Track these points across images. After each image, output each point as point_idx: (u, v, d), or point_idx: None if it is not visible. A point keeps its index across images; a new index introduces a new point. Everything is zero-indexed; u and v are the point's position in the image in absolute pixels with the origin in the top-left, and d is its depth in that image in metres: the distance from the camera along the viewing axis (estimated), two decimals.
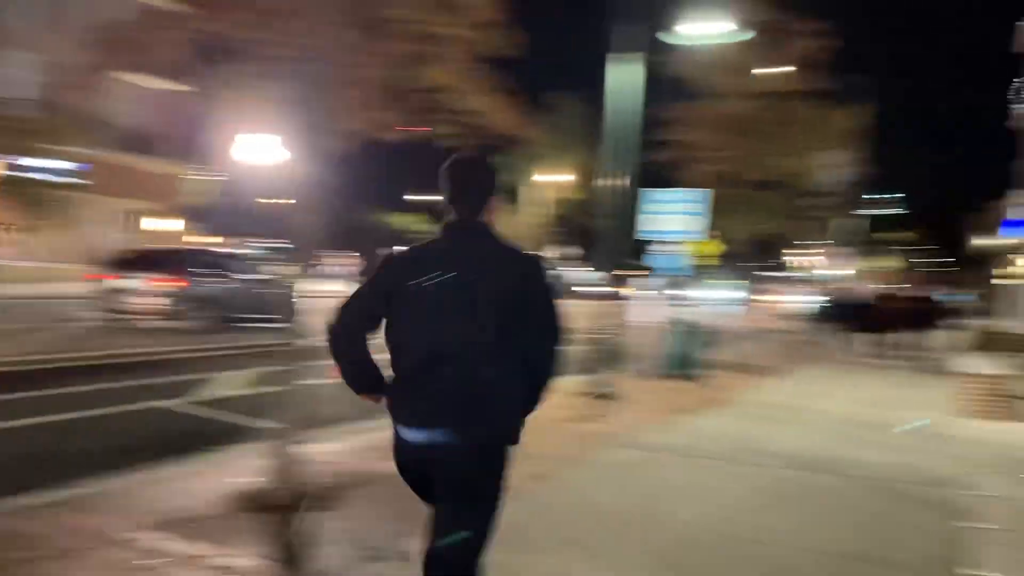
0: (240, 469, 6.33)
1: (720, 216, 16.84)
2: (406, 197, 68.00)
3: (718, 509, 6.15)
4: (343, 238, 59.84)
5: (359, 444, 7.46)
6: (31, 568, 4.18)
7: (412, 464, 3.09)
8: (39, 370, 10.96)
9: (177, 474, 6.10)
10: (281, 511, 5.33)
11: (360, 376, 3.13)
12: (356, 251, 50.16)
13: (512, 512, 5.77)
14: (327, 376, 3.60)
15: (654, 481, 6.94)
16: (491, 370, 2.93)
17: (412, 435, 3.01)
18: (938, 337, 20.18)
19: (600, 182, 12.29)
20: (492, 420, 2.95)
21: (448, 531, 3.01)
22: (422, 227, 65.76)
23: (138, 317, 16.50)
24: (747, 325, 29.21)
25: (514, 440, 3.04)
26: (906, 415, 11.57)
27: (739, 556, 5.15)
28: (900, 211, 66.63)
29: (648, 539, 5.33)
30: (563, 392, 11.72)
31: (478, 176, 3.15)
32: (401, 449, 3.09)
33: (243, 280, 18.01)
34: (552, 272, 3.10)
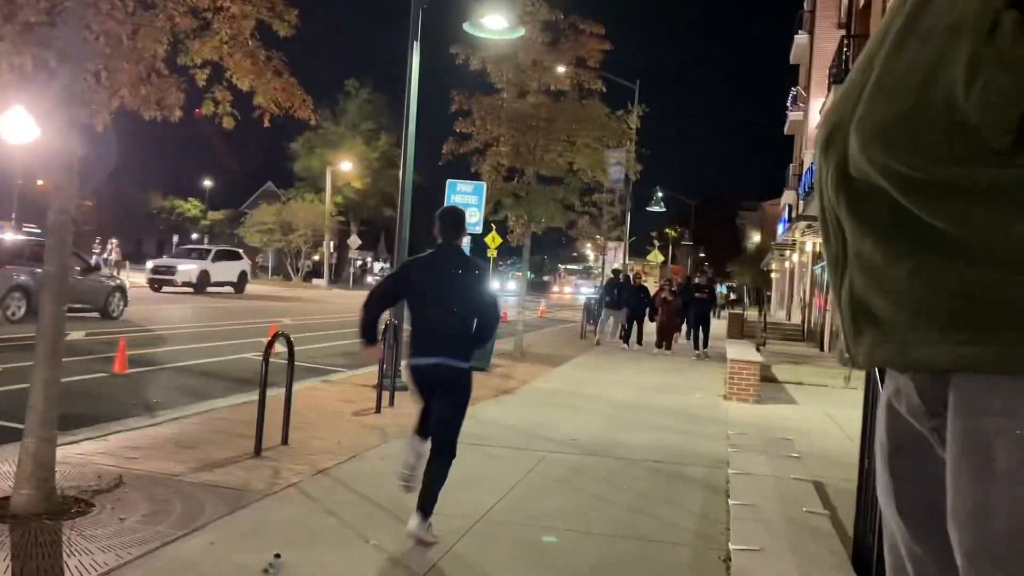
0: None
1: (506, 208, 17.23)
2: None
3: (499, 496, 6.28)
4: (117, 223, 55.97)
5: (117, 443, 6.99)
6: None
7: (421, 378, 5.24)
8: None
9: None
10: (30, 518, 4.88)
11: (368, 330, 5.30)
12: (115, 237, 47.10)
13: (291, 511, 5.61)
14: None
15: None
16: (465, 324, 5.20)
17: (424, 361, 5.17)
18: (713, 326, 21.70)
19: (401, 171, 12.15)
20: (466, 351, 5.23)
21: (442, 414, 5.23)
22: (197, 213, 62.69)
23: None
24: (535, 316, 30.12)
25: (471, 361, 5.28)
26: (679, 399, 12.37)
27: (519, 540, 5.28)
28: (682, 207, 70.75)
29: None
30: (351, 384, 11.56)
31: (457, 220, 5.44)
32: (415, 370, 5.21)
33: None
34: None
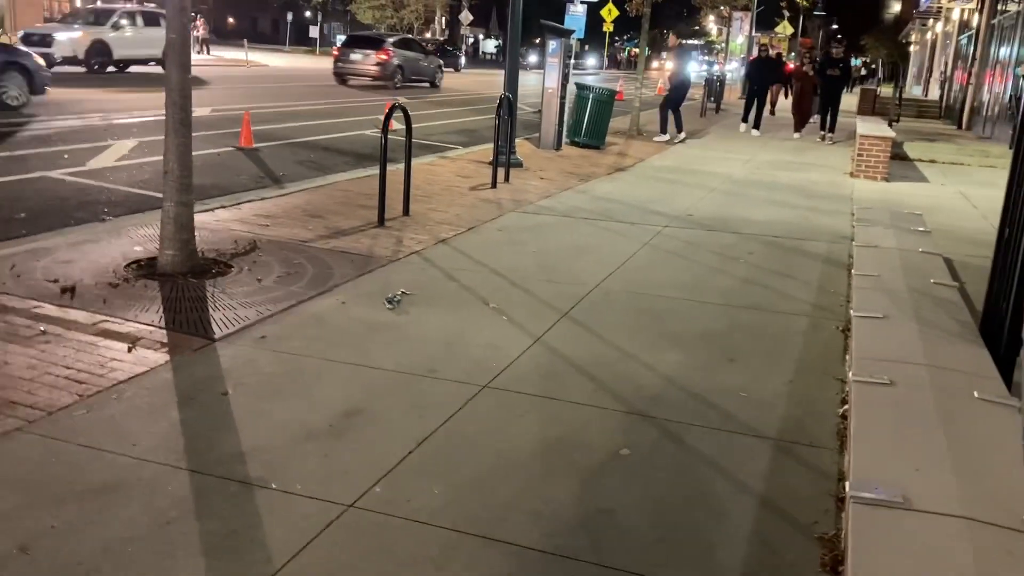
0: (134, 238, 6.18)
1: None
2: None
3: (613, 268, 6.35)
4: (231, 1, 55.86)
5: (249, 211, 7.33)
6: None
7: None
8: None
9: (70, 242, 5.89)
10: (176, 276, 5.25)
11: None
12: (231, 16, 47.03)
13: (414, 276, 5.83)
14: None
15: (557, 242, 7.08)
16: None
17: None
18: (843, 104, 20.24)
19: None
20: None
21: None
22: None
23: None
24: (652, 94, 29.13)
25: None
26: (802, 176, 11.98)
27: (633, 307, 5.38)
28: None
29: (546, 292, 5.50)
30: (467, 160, 11.62)
31: None
32: None
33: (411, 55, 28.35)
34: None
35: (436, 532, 2.79)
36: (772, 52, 20.72)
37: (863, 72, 56.97)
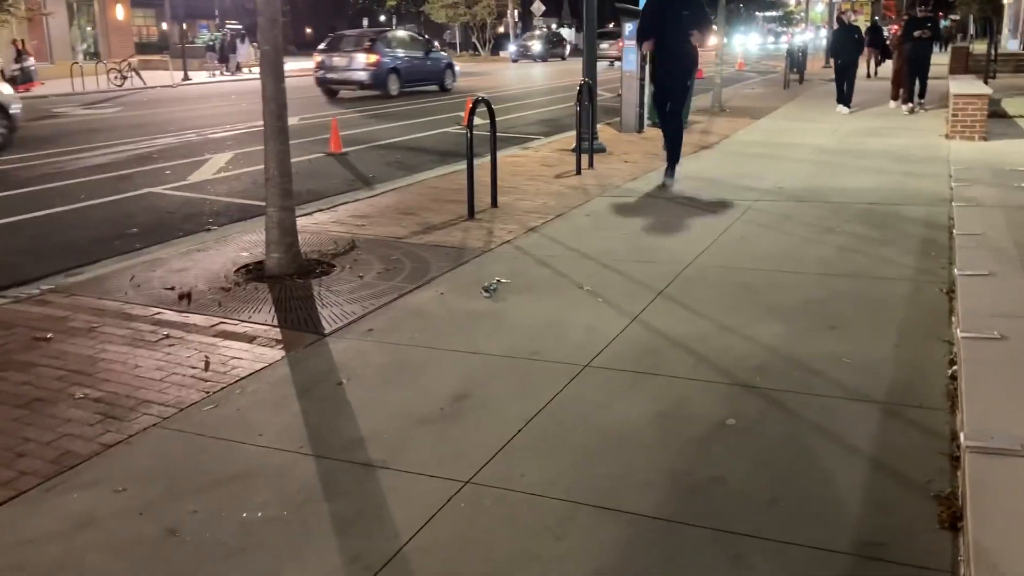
0: (240, 244, 6.47)
1: None
2: None
3: (706, 244, 6.33)
4: (310, 10, 57.14)
5: (344, 213, 7.57)
6: (62, 345, 4.37)
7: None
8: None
9: (181, 252, 6.21)
10: (283, 278, 5.49)
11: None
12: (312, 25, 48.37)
13: (507, 265, 5.93)
14: None
15: (646, 223, 7.09)
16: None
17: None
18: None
19: None
20: None
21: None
22: None
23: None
24: (732, 70, 28.64)
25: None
26: (893, 142, 11.65)
27: (730, 282, 5.38)
28: None
29: (639, 273, 5.54)
30: (550, 149, 11.69)
31: None
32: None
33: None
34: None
35: (552, 504, 2.89)
36: (852, 18, 19.12)
37: (949, 28, 54.15)
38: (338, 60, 22.21)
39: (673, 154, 8.71)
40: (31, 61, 26.94)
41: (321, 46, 23.63)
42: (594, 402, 3.69)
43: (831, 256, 5.93)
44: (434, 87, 24.55)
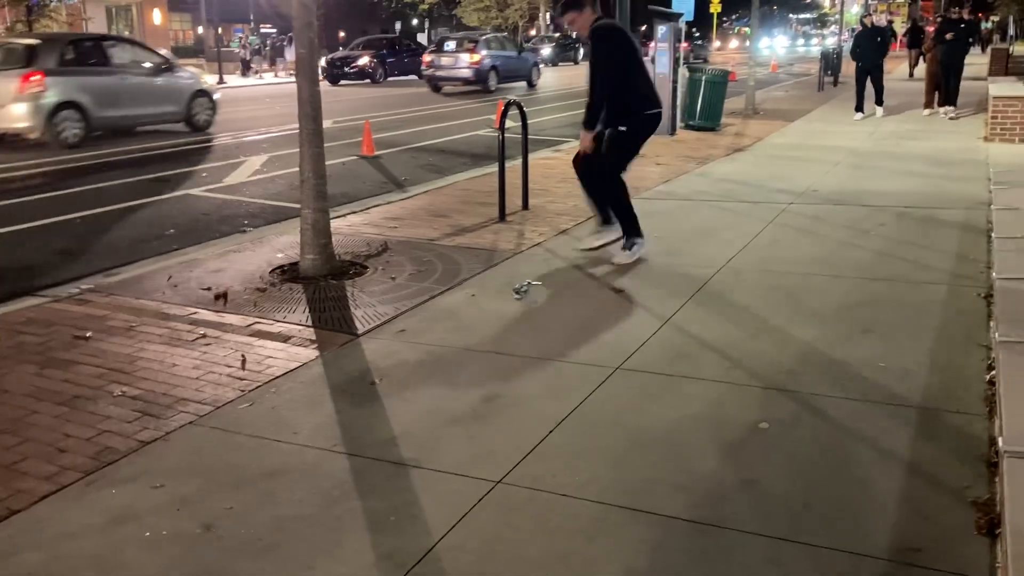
0: (275, 245, 6.54)
1: None
2: None
3: (740, 247, 6.30)
4: (342, 15, 57.58)
5: (377, 215, 7.62)
6: (101, 344, 4.44)
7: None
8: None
9: (218, 253, 6.29)
10: (318, 279, 5.54)
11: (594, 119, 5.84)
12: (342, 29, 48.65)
13: (538, 267, 5.94)
14: None
15: (679, 226, 7.07)
16: None
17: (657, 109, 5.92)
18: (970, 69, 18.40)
19: None
20: None
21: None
22: None
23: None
24: (766, 72, 28.43)
25: None
26: (931, 145, 11.50)
27: (763, 284, 5.34)
28: None
29: (672, 275, 5.52)
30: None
31: None
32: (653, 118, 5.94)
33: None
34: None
35: (583, 505, 2.89)
36: (877, 20, 17.63)
37: (989, 30, 52.80)
38: (445, 60, 25.46)
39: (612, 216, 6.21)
40: None
41: (431, 47, 28.73)
42: (625, 404, 3.68)
43: (867, 260, 5.87)
44: (523, 83, 27.30)
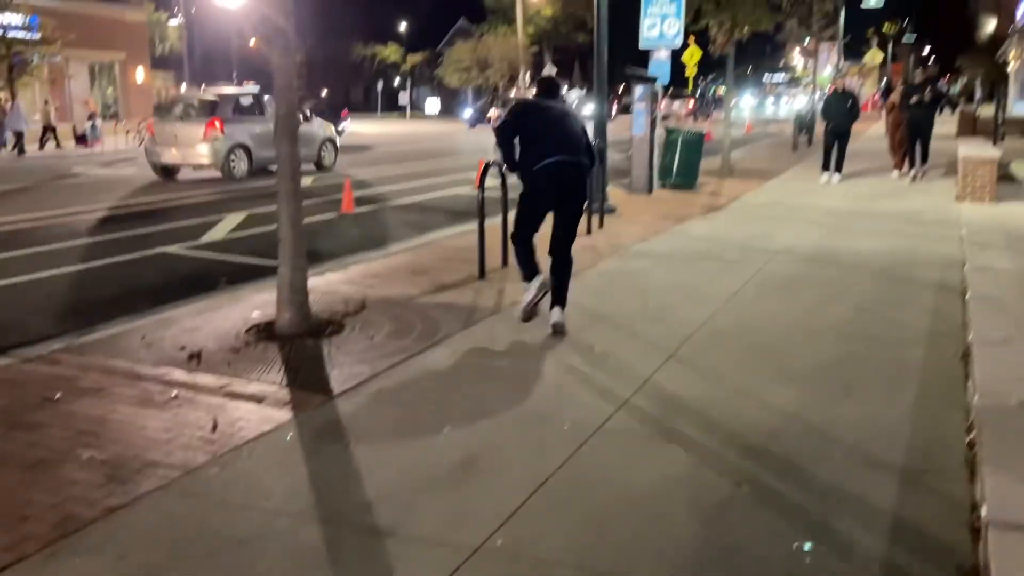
0: (252, 304, 6.48)
1: (707, 16, 16.20)
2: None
3: (718, 305, 6.31)
4: (325, 75, 58.24)
5: (356, 273, 7.59)
6: (71, 405, 4.35)
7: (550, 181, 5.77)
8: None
9: (194, 312, 6.22)
10: (293, 338, 5.48)
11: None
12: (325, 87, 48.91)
13: (518, 326, 5.90)
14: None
15: (658, 284, 7.08)
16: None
17: (552, 159, 5.70)
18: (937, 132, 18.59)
19: None
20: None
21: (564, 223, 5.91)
22: (397, 58, 63.69)
23: None
24: (740, 132, 28.92)
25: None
26: (903, 204, 11.67)
27: (744, 344, 5.34)
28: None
29: (651, 334, 5.51)
30: None
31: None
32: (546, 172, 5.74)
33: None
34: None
35: (564, 572, 2.82)
36: (845, 85, 17.68)
37: (956, 93, 53.61)
38: (676, 105, 34.85)
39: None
40: (98, 121, 28.22)
41: (664, 100, 35.43)
42: (606, 467, 3.63)
43: (845, 318, 5.89)
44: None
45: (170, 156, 16.91)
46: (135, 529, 3.17)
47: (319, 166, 18.92)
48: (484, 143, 28.98)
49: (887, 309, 6.09)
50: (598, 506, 3.28)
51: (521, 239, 5.90)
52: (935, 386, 4.51)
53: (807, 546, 2.94)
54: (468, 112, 46.78)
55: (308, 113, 19.27)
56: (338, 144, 19.92)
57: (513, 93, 59.13)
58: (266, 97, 17.88)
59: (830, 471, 3.53)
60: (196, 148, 16.27)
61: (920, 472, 3.50)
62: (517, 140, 5.89)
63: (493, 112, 42.51)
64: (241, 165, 16.81)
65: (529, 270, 5.90)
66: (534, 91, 6.32)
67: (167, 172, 17.27)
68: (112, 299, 7.13)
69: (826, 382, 4.62)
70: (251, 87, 21.04)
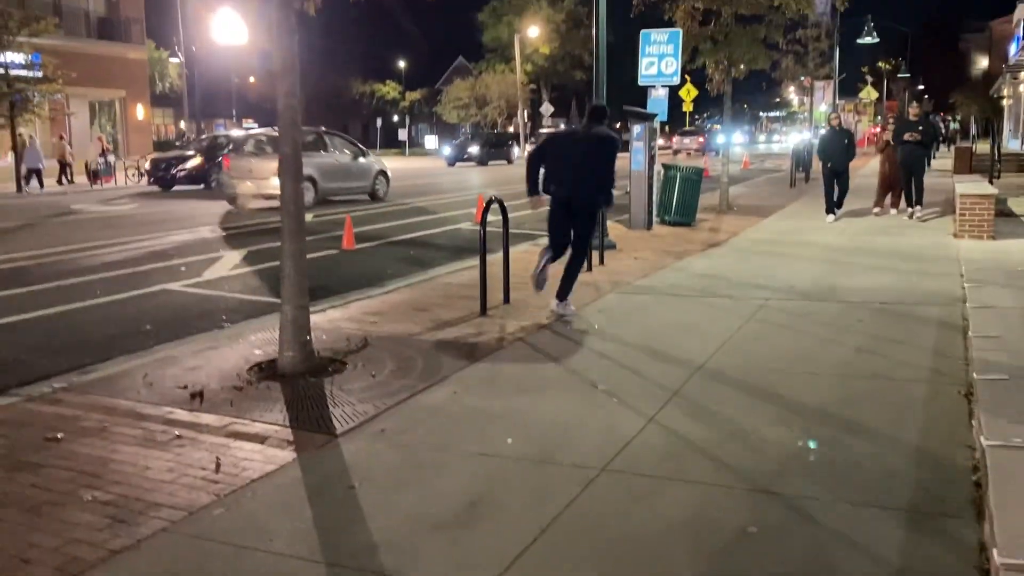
0: (253, 342, 6.47)
1: (704, 55, 16.36)
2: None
3: (719, 343, 6.31)
4: (324, 112, 58.71)
5: (357, 310, 7.60)
6: (73, 445, 4.33)
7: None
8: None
9: (195, 350, 6.21)
10: (296, 376, 5.47)
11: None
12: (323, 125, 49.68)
13: (520, 362, 5.91)
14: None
15: (659, 320, 7.09)
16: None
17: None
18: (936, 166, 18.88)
19: (594, 28, 11.86)
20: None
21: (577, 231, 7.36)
22: (395, 95, 64.30)
23: None
24: (737, 168, 29.09)
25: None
26: (902, 241, 11.72)
27: (747, 383, 5.33)
28: (897, 37, 62.75)
29: (653, 372, 5.50)
30: None
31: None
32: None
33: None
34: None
35: None
36: (842, 122, 17.23)
37: (951, 128, 53.62)
38: (687, 142, 49.36)
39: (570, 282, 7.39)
40: (111, 157, 28.67)
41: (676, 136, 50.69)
42: (611, 509, 3.61)
43: (847, 356, 5.89)
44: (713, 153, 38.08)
45: (244, 188, 18.43)
46: (138, 572, 3.14)
47: (373, 196, 20.84)
48: (463, 180, 29.08)
49: (889, 347, 6.09)
50: (604, 550, 3.26)
51: (551, 245, 7.42)
52: (939, 424, 4.49)
53: None
54: (447, 150, 46.66)
55: (363, 148, 21.45)
56: (390, 176, 21.77)
57: (512, 129, 59.64)
58: (330, 135, 20.86)
59: (837, 512, 3.51)
60: (270, 180, 17.04)
61: (927, 513, 3.48)
62: (543, 168, 7.36)
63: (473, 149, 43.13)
64: (308, 195, 17.71)
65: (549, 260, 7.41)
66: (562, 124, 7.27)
67: (235, 201, 18.86)
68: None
69: (830, 421, 4.61)
70: (317, 128, 21.40)
